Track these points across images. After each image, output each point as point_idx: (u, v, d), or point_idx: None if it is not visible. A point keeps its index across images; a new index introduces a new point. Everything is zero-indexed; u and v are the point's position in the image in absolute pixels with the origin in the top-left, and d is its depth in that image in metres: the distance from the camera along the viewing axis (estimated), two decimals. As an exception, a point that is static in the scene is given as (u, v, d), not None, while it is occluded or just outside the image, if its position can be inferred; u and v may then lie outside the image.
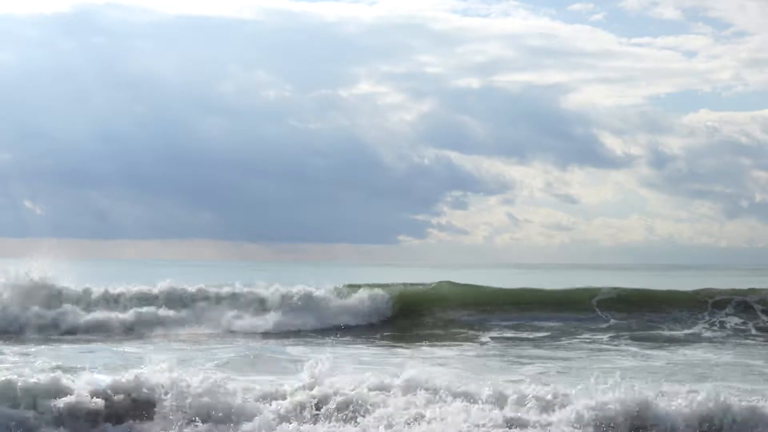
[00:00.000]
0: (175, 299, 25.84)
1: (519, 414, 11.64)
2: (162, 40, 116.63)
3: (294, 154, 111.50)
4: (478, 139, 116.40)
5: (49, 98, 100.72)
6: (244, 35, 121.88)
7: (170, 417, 11.64)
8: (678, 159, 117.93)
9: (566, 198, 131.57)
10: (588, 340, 22.61)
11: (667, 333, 24.02)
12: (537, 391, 12.06)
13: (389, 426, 11.42)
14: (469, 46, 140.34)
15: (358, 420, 11.60)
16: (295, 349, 19.80)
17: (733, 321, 25.30)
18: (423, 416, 11.55)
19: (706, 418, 11.66)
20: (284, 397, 12.12)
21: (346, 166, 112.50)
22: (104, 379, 12.30)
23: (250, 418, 11.68)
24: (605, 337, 23.15)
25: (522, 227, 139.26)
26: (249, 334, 23.62)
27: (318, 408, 11.85)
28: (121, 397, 11.99)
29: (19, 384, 11.94)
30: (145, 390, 12.00)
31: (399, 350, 20.73)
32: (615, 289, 27.41)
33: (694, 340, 23.13)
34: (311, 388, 12.15)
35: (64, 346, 20.63)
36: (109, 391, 12.00)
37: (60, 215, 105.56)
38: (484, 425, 11.36)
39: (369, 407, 11.76)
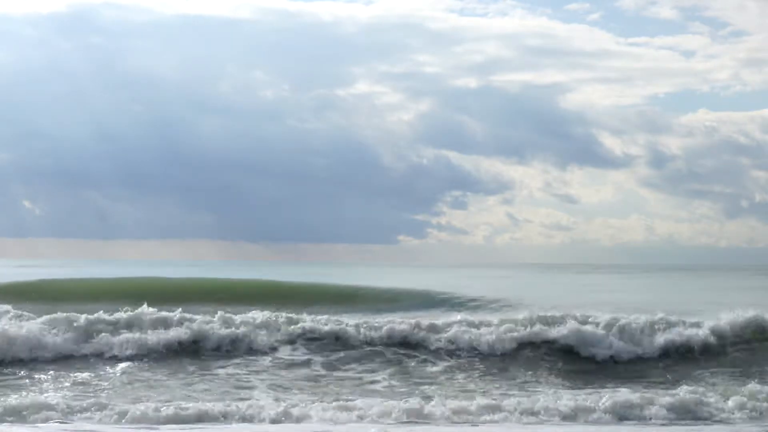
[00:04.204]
0: None
1: None
2: (159, 40, 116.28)
3: (292, 153, 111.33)
4: (477, 138, 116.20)
5: (47, 98, 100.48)
6: (241, 35, 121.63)
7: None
8: (677, 159, 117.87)
9: (566, 198, 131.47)
10: None
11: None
12: None
13: None
14: (467, 46, 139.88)
15: None
16: None
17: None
18: None
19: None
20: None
21: (345, 166, 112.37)
22: None
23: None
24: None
25: (522, 227, 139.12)
26: None
27: None
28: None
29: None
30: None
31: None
32: None
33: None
34: None
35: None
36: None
37: (60, 215, 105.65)
38: None
39: None
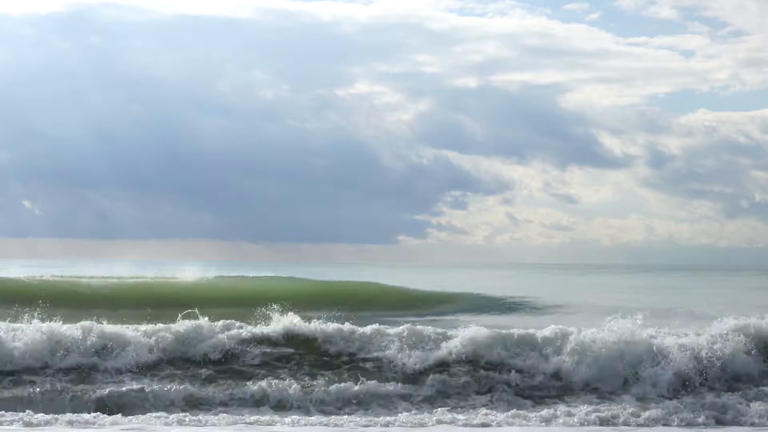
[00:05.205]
0: None
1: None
2: (159, 40, 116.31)
3: (292, 154, 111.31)
4: (477, 138, 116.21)
5: (47, 98, 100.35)
6: (240, 35, 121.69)
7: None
8: (677, 159, 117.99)
9: (566, 198, 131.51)
10: None
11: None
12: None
13: None
14: (467, 46, 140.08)
15: None
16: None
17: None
18: None
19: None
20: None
21: (345, 166, 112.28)
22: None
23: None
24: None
25: (522, 227, 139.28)
26: None
27: None
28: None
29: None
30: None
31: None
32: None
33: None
34: None
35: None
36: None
37: (60, 215, 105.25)
38: None
39: None
